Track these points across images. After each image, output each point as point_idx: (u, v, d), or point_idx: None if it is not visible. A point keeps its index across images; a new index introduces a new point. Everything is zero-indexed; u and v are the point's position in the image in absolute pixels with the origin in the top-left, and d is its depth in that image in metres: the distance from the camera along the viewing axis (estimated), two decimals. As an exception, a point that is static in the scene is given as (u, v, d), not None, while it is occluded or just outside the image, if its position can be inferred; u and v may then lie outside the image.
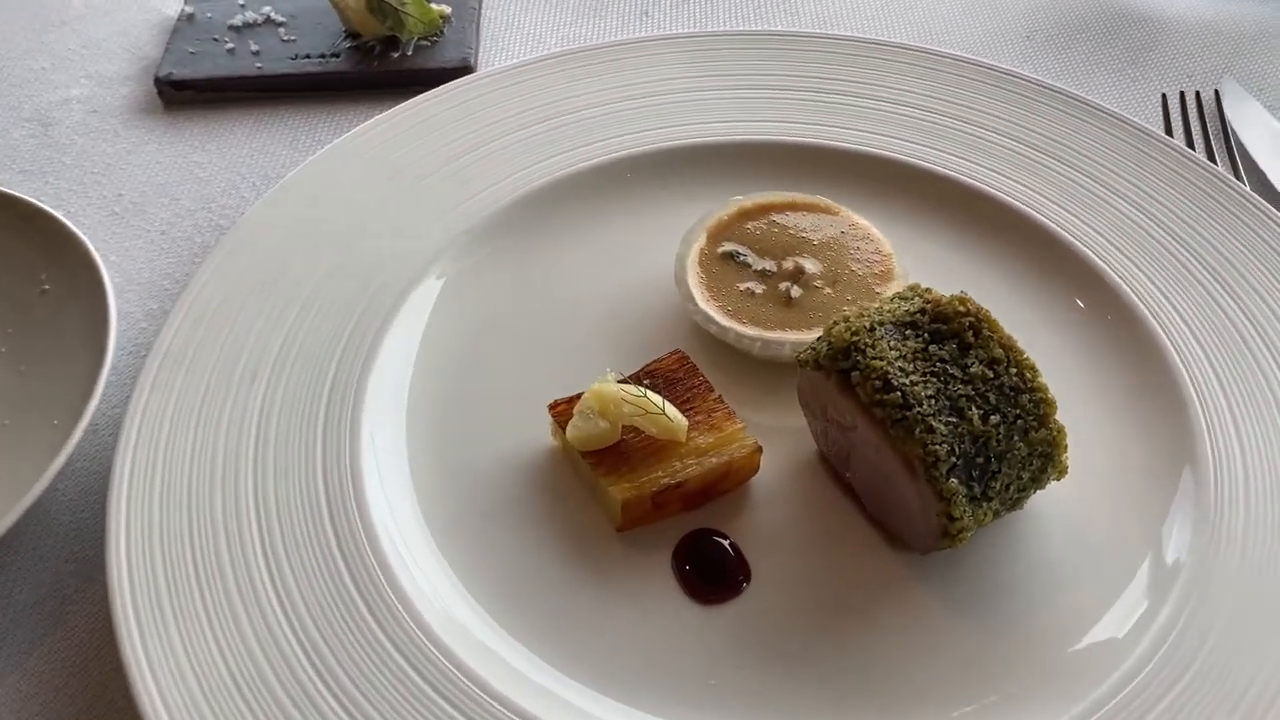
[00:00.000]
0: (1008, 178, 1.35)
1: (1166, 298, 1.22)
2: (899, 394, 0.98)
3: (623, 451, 1.08)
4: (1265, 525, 1.04)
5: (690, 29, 1.70)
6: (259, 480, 1.08)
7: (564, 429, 1.10)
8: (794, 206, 1.31)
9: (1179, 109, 1.51)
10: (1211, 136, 1.48)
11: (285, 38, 1.62)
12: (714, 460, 1.08)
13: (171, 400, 1.13)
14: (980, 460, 0.98)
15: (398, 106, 1.43)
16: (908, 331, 1.03)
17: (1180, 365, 1.16)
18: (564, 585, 1.05)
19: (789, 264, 1.25)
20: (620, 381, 1.12)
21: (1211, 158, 1.44)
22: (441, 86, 1.46)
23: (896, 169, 1.38)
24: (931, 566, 1.05)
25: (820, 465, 1.14)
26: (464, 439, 1.15)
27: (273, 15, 1.67)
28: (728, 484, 1.11)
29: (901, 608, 1.03)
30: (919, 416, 0.97)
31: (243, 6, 1.68)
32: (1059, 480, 1.04)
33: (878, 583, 1.05)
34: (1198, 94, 1.52)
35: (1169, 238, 1.27)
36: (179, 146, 1.51)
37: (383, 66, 1.57)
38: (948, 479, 0.96)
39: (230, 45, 1.60)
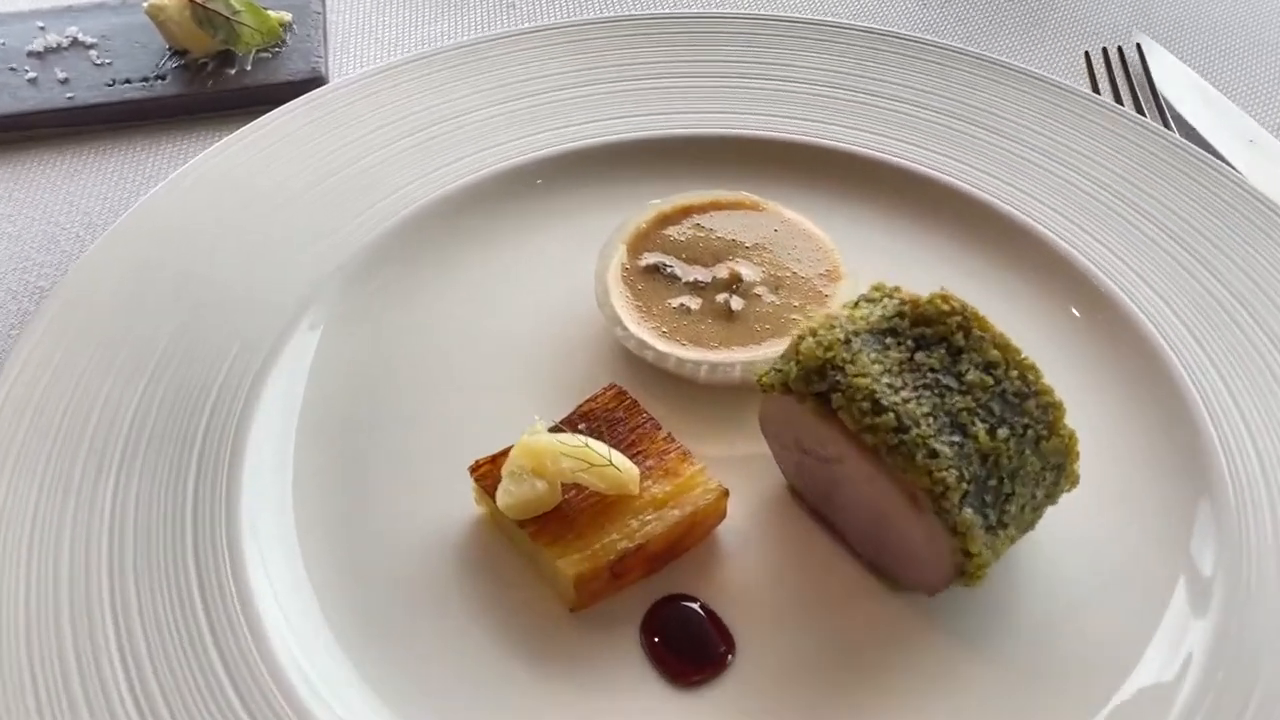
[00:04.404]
0: (947, 156, 1.23)
1: (1150, 286, 1.11)
2: (892, 415, 0.83)
3: (566, 515, 0.91)
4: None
5: (563, 18, 1.52)
6: (118, 603, 0.87)
7: (491, 495, 0.92)
8: (717, 206, 1.16)
9: (1103, 67, 1.41)
10: (1139, 94, 1.38)
11: (98, 61, 1.42)
12: (676, 513, 0.91)
13: (-7, 514, 0.91)
14: (993, 483, 0.84)
15: (245, 128, 1.23)
16: (888, 340, 0.88)
17: (1170, 352, 1.05)
18: (515, 684, 0.87)
19: (723, 271, 1.10)
20: (552, 430, 0.95)
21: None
22: (294, 101, 1.26)
23: (820, 155, 1.25)
24: (940, 607, 0.91)
25: (792, 499, 0.99)
26: (368, 520, 0.96)
27: (80, 36, 1.44)
28: (693, 538, 0.94)
29: (916, 660, 0.89)
30: (919, 439, 0.82)
31: (43, 29, 1.45)
32: (1070, 491, 0.91)
33: (884, 633, 0.90)
34: (1120, 50, 1.43)
35: (1137, 215, 1.16)
36: (-22, 198, 1.27)
37: (219, 86, 1.39)
38: (961, 509, 0.82)
39: (32, 74, 1.40)
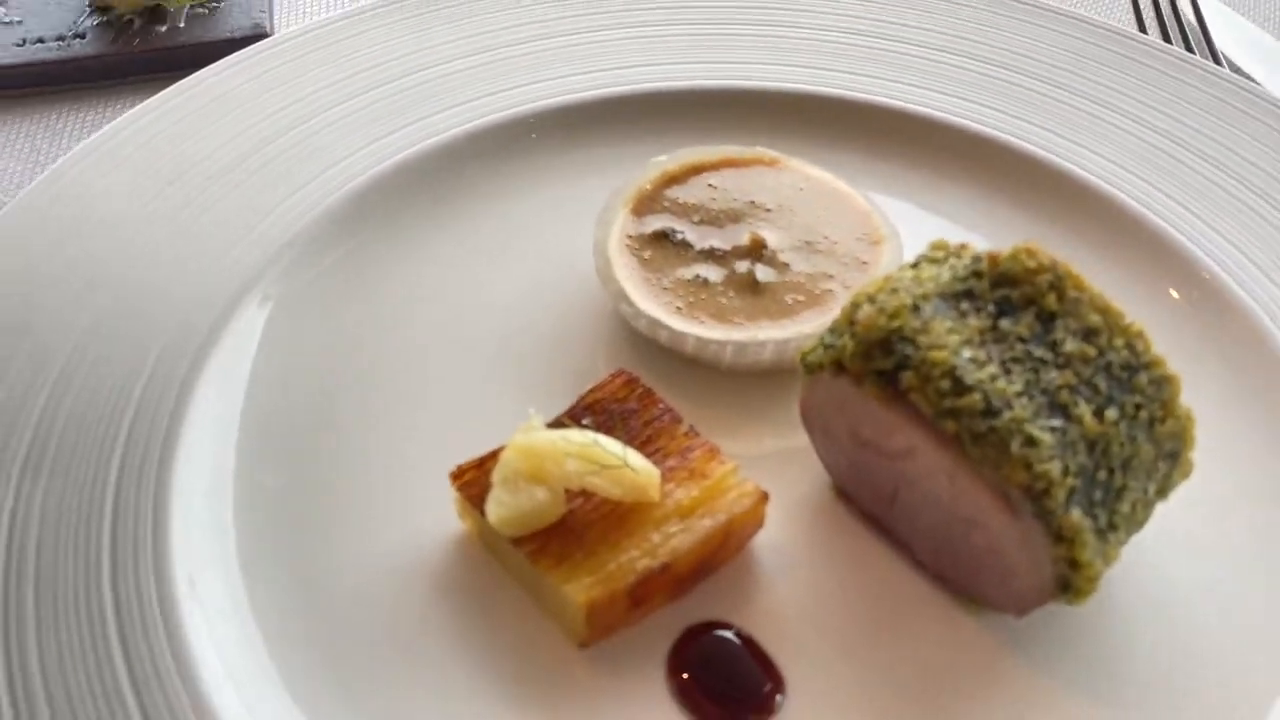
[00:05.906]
0: (992, 107, 1.08)
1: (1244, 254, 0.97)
2: (978, 395, 0.67)
3: (572, 530, 0.75)
4: None
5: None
6: (13, 660, 0.70)
7: (479, 508, 0.75)
8: (731, 163, 1.01)
9: (1151, 8, 1.26)
10: (1189, 36, 1.24)
11: (7, 18, 1.28)
12: (707, 523, 0.75)
13: None
14: (1102, 476, 0.69)
15: (175, 85, 1.07)
16: (964, 304, 0.72)
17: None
18: (516, 743, 0.70)
19: (743, 236, 0.94)
20: (551, 426, 0.78)
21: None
22: (232, 55, 1.11)
23: (844, 108, 1.10)
24: (1029, 630, 0.76)
25: (840, 503, 0.83)
26: (328, 547, 0.80)
27: (-14, -8, 1.27)
28: (726, 553, 0.78)
29: (1000, 695, 0.73)
30: (1013, 424, 0.67)
31: (-59, -15, 1.27)
32: (1182, 483, 0.75)
33: (961, 663, 0.75)
34: (1168, -11, 1.28)
35: (1207, 165, 1.03)
36: None
37: (147, 45, 1.24)
38: (1068, 510, 0.66)
39: (-70, 36, 1.22)
